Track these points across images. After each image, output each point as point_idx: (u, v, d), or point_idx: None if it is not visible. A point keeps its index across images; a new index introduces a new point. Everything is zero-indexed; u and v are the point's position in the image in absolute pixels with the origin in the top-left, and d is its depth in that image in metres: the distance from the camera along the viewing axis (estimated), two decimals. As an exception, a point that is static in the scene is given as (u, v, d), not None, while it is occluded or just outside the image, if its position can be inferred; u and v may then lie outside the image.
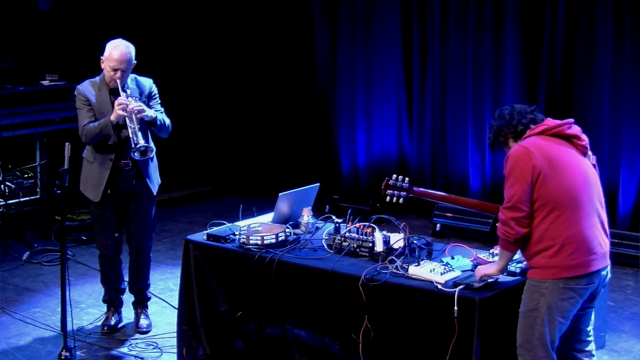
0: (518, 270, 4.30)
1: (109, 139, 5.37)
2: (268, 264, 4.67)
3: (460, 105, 8.02)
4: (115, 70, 5.30)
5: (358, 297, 4.35)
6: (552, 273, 3.95)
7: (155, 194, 5.62)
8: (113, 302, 5.79)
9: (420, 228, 7.89)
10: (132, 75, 5.47)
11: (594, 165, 4.17)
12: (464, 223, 7.66)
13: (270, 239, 4.79)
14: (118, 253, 5.69)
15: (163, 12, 9.02)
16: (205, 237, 5.01)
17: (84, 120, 5.39)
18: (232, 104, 9.45)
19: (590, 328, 4.25)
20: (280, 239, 4.82)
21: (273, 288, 4.68)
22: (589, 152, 4.18)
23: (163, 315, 5.92)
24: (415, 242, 4.58)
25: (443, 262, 4.42)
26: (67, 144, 5.01)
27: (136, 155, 5.25)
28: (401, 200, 4.76)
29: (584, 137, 4.14)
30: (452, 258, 4.50)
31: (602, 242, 4.04)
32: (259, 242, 4.78)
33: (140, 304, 5.82)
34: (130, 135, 5.23)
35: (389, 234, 4.70)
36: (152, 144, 5.45)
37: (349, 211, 4.89)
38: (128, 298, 5.88)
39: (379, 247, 4.56)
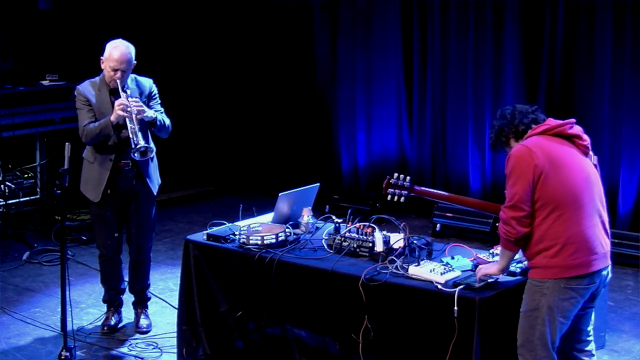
0: (518, 270, 4.30)
1: (109, 139, 5.37)
2: (268, 264, 4.67)
3: (460, 105, 8.02)
4: (115, 70, 5.30)
5: (358, 297, 4.35)
6: (553, 273, 3.95)
7: (155, 194, 5.62)
8: (113, 302, 5.79)
9: (420, 228, 7.89)
10: (132, 75, 5.47)
11: (595, 166, 4.17)
12: (464, 223, 7.66)
13: (270, 239, 4.79)
14: (118, 253, 5.69)
15: (163, 12, 9.02)
16: (205, 237, 5.01)
17: (84, 121, 5.39)
18: (232, 104, 9.45)
19: (590, 328, 4.25)
20: (280, 239, 4.82)
21: (273, 288, 4.68)
22: (591, 152, 4.18)
23: (163, 315, 5.92)
24: (415, 242, 4.58)
25: (443, 262, 4.42)
26: (67, 144, 5.01)
27: (136, 156, 5.25)
28: (402, 199, 4.76)
29: (586, 137, 4.14)
30: (452, 258, 4.50)
31: (603, 242, 4.04)
32: (259, 242, 4.78)
33: (140, 304, 5.82)
34: (131, 136, 5.23)
35: (389, 234, 4.70)
36: (152, 144, 5.45)
37: (349, 211, 4.89)
38: (128, 298, 5.88)
39: (379, 247, 4.56)
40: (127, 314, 5.88)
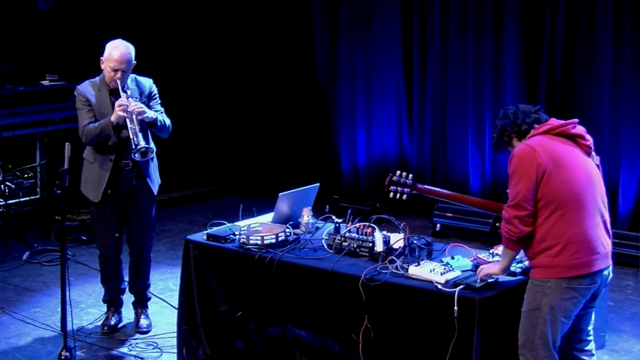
0: (518, 270, 4.30)
1: (109, 139, 5.36)
2: (268, 264, 4.67)
3: (460, 105, 8.02)
4: (115, 70, 5.30)
5: (358, 297, 4.35)
6: (555, 272, 3.95)
7: (155, 194, 5.62)
8: (113, 302, 5.79)
9: (420, 228, 7.89)
10: (132, 76, 5.47)
11: (597, 166, 4.18)
12: (464, 223, 7.66)
13: (270, 239, 4.79)
14: (118, 253, 5.69)
15: (163, 12, 9.02)
16: (205, 237, 5.01)
17: (84, 121, 5.38)
18: (232, 104, 9.45)
19: (590, 327, 4.25)
20: (280, 239, 4.82)
21: (273, 288, 4.68)
22: (593, 153, 4.18)
23: (163, 315, 5.92)
24: (415, 242, 4.58)
25: (443, 262, 4.42)
26: (67, 144, 5.01)
27: (137, 156, 5.25)
28: (404, 196, 4.75)
29: (589, 137, 4.15)
30: (452, 258, 4.50)
31: (605, 242, 4.04)
32: (259, 242, 4.78)
33: (140, 304, 5.82)
34: (131, 136, 5.23)
35: (389, 234, 4.69)
36: (152, 145, 5.45)
37: (349, 211, 4.89)
38: (128, 298, 5.88)
39: (379, 247, 4.56)
40: (127, 314, 5.88)
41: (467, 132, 7.98)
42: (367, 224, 4.70)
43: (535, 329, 4.00)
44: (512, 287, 4.21)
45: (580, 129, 4.14)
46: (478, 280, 4.16)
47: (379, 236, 4.61)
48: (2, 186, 7.62)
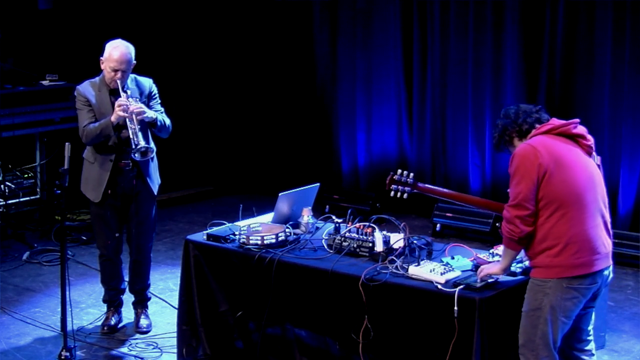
0: (518, 270, 4.30)
1: (110, 139, 5.36)
2: (268, 264, 4.67)
3: (460, 105, 8.02)
4: (115, 70, 5.30)
5: (358, 297, 4.35)
6: (556, 272, 3.95)
7: (155, 193, 5.62)
8: (113, 302, 5.79)
9: (420, 228, 7.89)
10: (132, 76, 5.47)
11: (598, 166, 4.18)
12: (464, 223, 7.66)
13: (270, 239, 4.79)
14: (118, 253, 5.69)
15: (163, 12, 9.02)
16: (205, 237, 5.01)
17: (84, 121, 5.38)
18: (232, 104, 9.46)
19: (590, 327, 4.25)
20: (280, 239, 4.82)
21: (273, 288, 4.68)
22: (594, 153, 4.18)
23: (163, 315, 5.92)
24: (415, 242, 4.58)
25: (443, 262, 4.42)
26: (67, 144, 5.01)
27: (137, 156, 5.25)
28: (405, 195, 4.75)
29: (590, 137, 4.15)
30: (452, 258, 4.50)
31: (605, 242, 4.04)
32: (259, 242, 4.78)
33: (140, 304, 5.82)
34: (131, 136, 5.23)
35: (389, 234, 4.69)
36: (152, 144, 5.45)
37: (349, 211, 4.89)
38: (128, 298, 5.88)
39: (379, 247, 4.56)
40: (127, 314, 5.88)
41: (467, 132, 7.98)
42: (367, 224, 4.70)
43: (536, 329, 4.00)
44: (512, 287, 4.21)
45: (581, 129, 4.14)
46: (478, 280, 4.16)
47: (379, 236, 4.60)
48: (2, 186, 7.62)
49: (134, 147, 5.21)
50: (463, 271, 4.36)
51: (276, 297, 4.72)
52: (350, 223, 4.80)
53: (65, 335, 5.11)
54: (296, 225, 5.05)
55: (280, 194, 5.02)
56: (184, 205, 8.94)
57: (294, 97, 9.14)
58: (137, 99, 5.36)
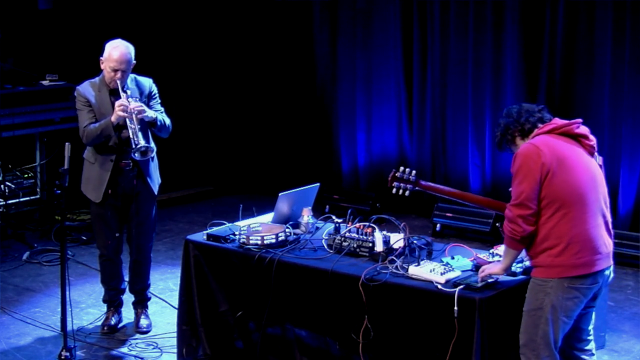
0: (519, 270, 4.30)
1: (110, 139, 5.37)
2: (268, 264, 4.67)
3: (460, 105, 8.02)
4: (115, 70, 5.30)
5: (358, 297, 4.34)
6: (557, 272, 3.95)
7: (156, 193, 5.62)
8: (113, 302, 5.79)
9: (420, 228, 7.89)
10: (132, 75, 5.47)
11: (600, 166, 4.18)
12: (464, 223, 7.66)
13: (270, 239, 4.79)
14: (118, 253, 5.69)
15: (163, 12, 9.02)
16: (205, 237, 5.01)
17: (84, 122, 5.38)
18: (232, 104, 9.46)
19: (591, 327, 4.25)
20: (280, 239, 4.82)
21: (273, 288, 4.68)
22: (596, 153, 4.18)
23: (163, 315, 5.92)
24: (415, 242, 4.58)
25: (443, 262, 4.42)
26: (67, 144, 5.01)
27: (137, 156, 5.25)
28: (407, 192, 4.74)
29: (592, 137, 4.15)
30: (452, 258, 4.50)
31: (607, 242, 4.05)
32: (259, 242, 4.78)
33: (141, 304, 5.82)
34: (131, 136, 5.23)
35: (389, 234, 4.69)
36: (152, 144, 5.45)
37: (349, 211, 4.89)
38: (128, 298, 5.88)
39: (379, 247, 4.56)
40: (127, 314, 5.88)
41: (467, 132, 7.98)
42: (367, 224, 4.69)
43: (537, 329, 4.00)
44: (512, 287, 4.21)
45: (584, 129, 4.14)
46: (479, 280, 4.16)
47: (379, 236, 4.60)
48: (2, 186, 7.62)
49: (134, 146, 5.21)
50: (463, 271, 4.36)
51: (276, 297, 4.72)
52: (350, 223, 4.79)
53: (65, 335, 5.11)
54: (296, 225, 5.05)
55: (280, 194, 5.02)
56: (184, 205, 8.94)
57: (294, 97, 9.14)
58: (137, 99, 5.36)
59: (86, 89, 5.44)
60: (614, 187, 7.14)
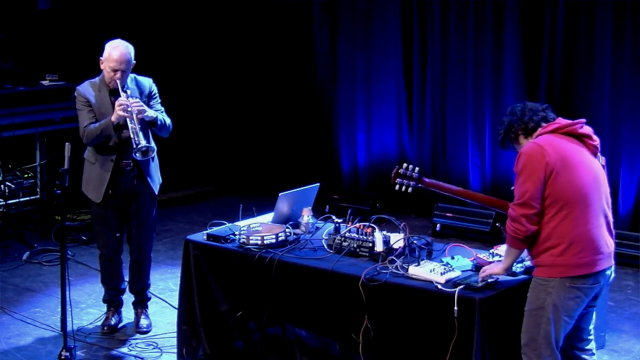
0: (519, 270, 4.30)
1: (110, 139, 5.36)
2: (268, 264, 4.67)
3: (460, 105, 8.02)
4: (115, 70, 5.30)
5: (358, 297, 4.34)
6: (559, 271, 3.95)
7: (156, 193, 5.62)
8: (113, 302, 5.79)
9: (420, 228, 7.89)
10: (132, 75, 5.47)
11: (603, 166, 4.18)
12: (464, 223, 7.66)
13: (270, 239, 4.79)
14: (119, 253, 5.69)
15: (163, 12, 9.02)
16: (205, 237, 5.01)
17: (84, 122, 5.38)
18: (232, 104, 9.46)
19: (591, 327, 4.26)
20: (280, 239, 4.82)
21: (273, 288, 4.68)
22: (599, 153, 4.18)
23: (163, 315, 5.92)
24: (415, 242, 4.58)
25: (443, 262, 4.42)
26: (67, 144, 5.01)
27: (138, 156, 5.25)
28: (410, 189, 4.73)
29: (596, 137, 4.16)
30: (452, 258, 4.50)
31: (608, 242, 4.05)
32: (259, 242, 4.78)
33: (141, 304, 5.82)
34: (132, 136, 5.23)
35: (389, 234, 4.69)
36: (153, 144, 5.45)
37: (349, 211, 4.89)
38: (128, 298, 5.88)
39: (379, 247, 4.56)
40: (127, 314, 5.88)
41: (467, 132, 7.98)
42: (367, 224, 4.69)
43: (538, 328, 4.00)
44: (512, 287, 4.21)
45: (587, 129, 4.14)
46: (479, 280, 4.16)
47: (379, 236, 4.60)
48: (2, 186, 7.62)
49: (135, 146, 5.21)
50: (463, 271, 4.36)
51: (276, 297, 4.72)
52: (350, 223, 4.79)
53: (65, 335, 5.11)
54: (296, 225, 5.05)
55: (280, 194, 5.02)
56: (184, 205, 8.94)
57: (294, 97, 9.14)
58: (137, 99, 5.35)
59: (86, 89, 5.44)
60: (614, 187, 7.13)
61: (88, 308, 6.14)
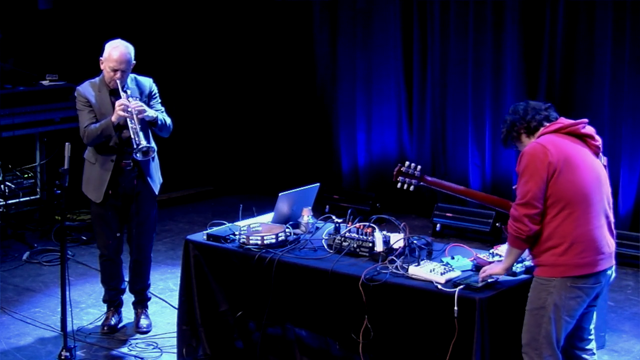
0: (519, 270, 4.30)
1: (111, 139, 5.37)
2: (268, 264, 4.67)
3: (460, 105, 8.02)
4: (115, 70, 5.30)
5: (358, 297, 4.34)
6: (561, 271, 3.95)
7: (157, 193, 5.62)
8: (113, 302, 5.79)
9: (420, 228, 7.89)
10: (132, 75, 5.47)
11: (604, 166, 4.18)
12: (464, 223, 7.66)
13: (270, 239, 4.79)
14: (119, 253, 5.69)
15: (163, 12, 9.02)
16: (205, 237, 5.01)
17: (85, 122, 5.38)
18: (232, 104, 9.46)
19: (592, 326, 4.26)
20: (280, 239, 4.82)
21: (273, 288, 4.68)
22: (600, 153, 4.18)
23: (163, 315, 5.92)
24: (415, 242, 4.58)
25: (443, 262, 4.42)
26: (67, 144, 5.01)
27: (139, 156, 5.25)
28: (412, 187, 4.73)
29: (598, 137, 4.16)
30: (452, 258, 4.50)
31: (609, 242, 4.05)
32: (259, 242, 4.78)
33: (141, 304, 5.82)
34: (132, 136, 5.23)
35: (389, 234, 4.69)
36: (153, 144, 5.45)
37: (349, 211, 4.89)
38: (128, 298, 5.88)
39: (379, 247, 4.56)
40: (127, 314, 5.88)
41: (467, 132, 7.98)
42: (367, 224, 4.69)
43: (539, 328, 4.00)
44: (512, 287, 4.21)
45: (590, 129, 4.14)
46: (479, 280, 4.15)
47: (379, 236, 4.60)
48: (2, 186, 7.62)
49: (135, 146, 5.21)
50: (463, 271, 4.36)
51: (276, 297, 4.72)
52: (350, 223, 4.79)
53: (65, 335, 5.11)
54: (296, 225, 5.05)
55: (280, 194, 5.02)
56: (184, 205, 8.94)
57: (294, 97, 9.14)
58: (137, 99, 5.36)
59: (86, 89, 5.44)
60: (614, 187, 7.11)
61: (88, 308, 6.14)
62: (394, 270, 4.37)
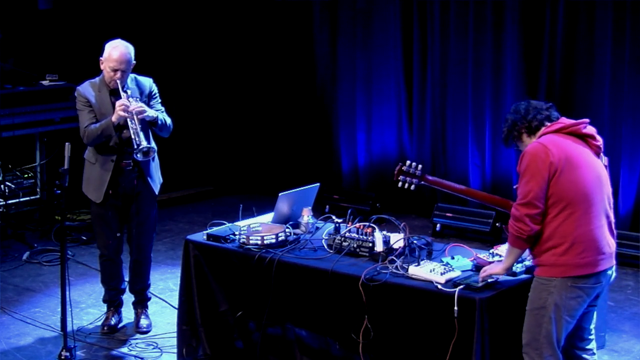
0: (519, 270, 4.30)
1: (111, 140, 5.37)
2: (268, 264, 4.67)
3: (460, 105, 8.02)
4: (115, 70, 5.30)
5: (358, 297, 4.34)
6: (561, 271, 3.95)
7: (157, 193, 5.62)
8: (113, 302, 5.79)
9: (420, 228, 7.89)
10: (132, 75, 5.47)
11: (605, 167, 4.18)
12: (464, 223, 7.66)
13: (270, 239, 4.79)
14: (119, 253, 5.69)
15: (163, 12, 9.02)
16: (205, 237, 5.01)
17: (85, 122, 5.38)
18: (232, 104, 9.46)
19: (592, 326, 4.26)
20: (280, 239, 4.82)
21: (273, 288, 4.68)
22: (602, 153, 4.18)
23: (163, 315, 5.92)
24: (415, 242, 4.58)
25: (443, 262, 4.42)
26: (67, 144, 5.01)
27: (139, 157, 5.25)
28: (413, 187, 4.72)
29: (599, 137, 4.16)
30: (452, 258, 4.50)
31: (610, 242, 4.05)
32: (259, 242, 4.78)
33: (141, 304, 5.82)
34: (132, 136, 5.23)
35: (389, 234, 4.69)
36: (153, 144, 5.45)
37: (349, 211, 4.89)
38: (128, 298, 5.88)
39: (379, 247, 4.56)
40: (127, 314, 5.88)
41: (467, 132, 7.98)
42: (367, 224, 4.69)
43: (540, 328, 4.00)
44: (512, 287, 4.21)
45: (591, 129, 4.15)
46: (479, 280, 4.15)
47: (379, 236, 4.60)
48: (2, 186, 7.62)
49: (135, 147, 5.21)
50: (463, 271, 4.36)
51: (276, 297, 4.72)
52: (350, 223, 4.79)
53: (65, 335, 5.11)
54: (296, 225, 5.05)
55: (280, 194, 5.02)
56: (184, 205, 8.94)
57: (294, 97, 9.14)
58: (137, 99, 5.36)
59: (86, 89, 5.44)
60: (614, 187, 7.11)
61: (88, 308, 6.14)
62: (394, 270, 4.37)
